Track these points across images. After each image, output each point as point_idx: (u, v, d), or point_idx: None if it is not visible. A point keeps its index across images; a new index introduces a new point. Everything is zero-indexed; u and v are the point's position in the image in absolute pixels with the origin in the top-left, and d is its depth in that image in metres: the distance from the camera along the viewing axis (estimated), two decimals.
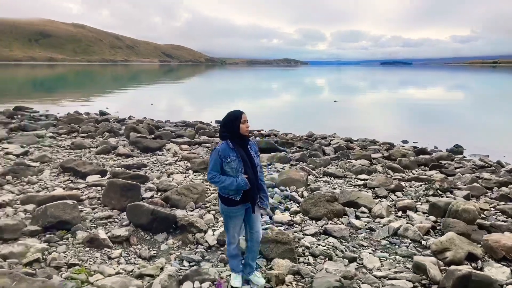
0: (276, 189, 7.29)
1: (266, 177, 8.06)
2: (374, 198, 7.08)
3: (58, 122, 14.80)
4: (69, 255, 4.35)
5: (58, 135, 12.27)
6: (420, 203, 6.94)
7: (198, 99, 33.00)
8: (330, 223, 5.86)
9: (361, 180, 8.26)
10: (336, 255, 4.82)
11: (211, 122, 17.39)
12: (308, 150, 10.87)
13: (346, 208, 6.39)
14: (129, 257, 4.49)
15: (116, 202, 5.83)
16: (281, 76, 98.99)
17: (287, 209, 6.39)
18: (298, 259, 4.64)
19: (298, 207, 6.42)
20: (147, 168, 8.60)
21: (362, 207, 6.49)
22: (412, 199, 7.20)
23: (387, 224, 5.77)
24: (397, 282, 4.07)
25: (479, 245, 5.07)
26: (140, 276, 3.96)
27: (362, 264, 4.61)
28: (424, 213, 6.45)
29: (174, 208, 6.00)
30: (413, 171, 9.38)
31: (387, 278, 4.21)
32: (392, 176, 8.70)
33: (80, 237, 4.71)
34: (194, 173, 8.27)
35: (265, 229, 5.00)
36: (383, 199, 7.14)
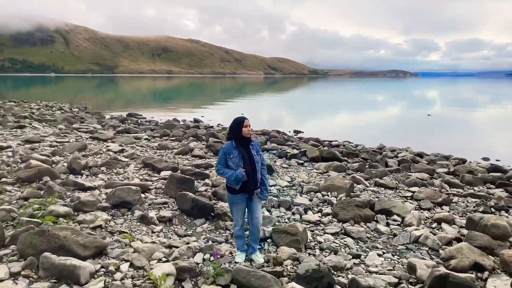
0: (318, 194, 7.85)
1: (309, 181, 8.67)
2: (416, 210, 7.22)
3: (156, 127, 17.14)
4: (123, 226, 5.63)
5: (152, 137, 14.34)
6: (462, 217, 6.88)
7: (291, 109, 34.22)
8: (356, 226, 6.28)
9: (411, 192, 8.34)
10: (345, 251, 5.30)
11: (289, 131, 18.29)
12: (369, 161, 11.06)
13: (379, 215, 6.71)
14: (168, 233, 5.60)
15: (173, 192, 7.06)
16: (384, 88, 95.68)
17: (320, 211, 6.95)
18: (306, 250, 5.25)
19: (331, 210, 6.93)
20: (212, 168, 9.81)
21: (395, 215, 6.73)
22: (458, 213, 7.15)
23: (410, 232, 5.99)
24: (384, 277, 4.46)
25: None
26: (169, 247, 5.01)
27: (363, 261, 5.03)
28: (461, 227, 6.44)
29: (220, 201, 7.02)
30: (475, 188, 9.03)
31: (378, 273, 4.61)
32: (447, 191, 8.57)
33: (136, 215, 5.98)
34: None
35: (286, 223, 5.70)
36: (424, 211, 7.22)
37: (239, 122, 4.50)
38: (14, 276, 3.83)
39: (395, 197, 8.07)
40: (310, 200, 7.45)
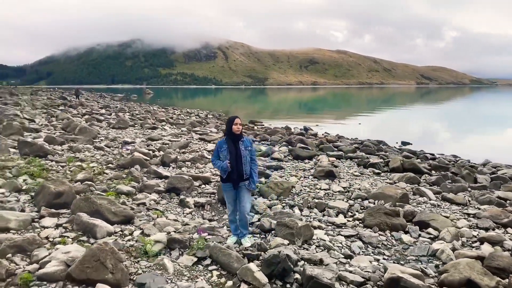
0: (366, 202, 7.78)
1: (368, 190, 8.55)
2: (469, 228, 6.61)
3: (260, 133, 18.49)
4: (163, 206, 6.83)
5: (253, 141, 15.68)
6: None
7: (428, 122, 31.86)
8: (379, 233, 6.20)
9: (479, 209, 7.52)
10: (340, 251, 5.42)
11: (397, 143, 17.41)
12: (452, 175, 10.10)
13: (411, 226, 6.45)
14: (196, 216, 6.56)
15: None
16: None
17: (352, 216, 6.99)
18: (303, 245, 5.55)
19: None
20: (283, 169, 10.46)
21: (431, 228, 6.36)
22: None
23: (430, 244, 5.66)
24: (353, 275, 4.53)
25: None
26: (184, 224, 5.96)
27: (349, 261, 5.10)
28: (509, 250, 5.73)
29: (261, 196, 7.71)
30: None
31: (352, 272, 4.68)
32: None
33: (179, 199, 7.14)
34: (315, 178, 9.55)
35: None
36: (479, 230, 6.54)
37: (230, 121, 5.20)
38: (57, 226, 5.31)
39: (455, 212, 7.42)
40: (351, 206, 7.48)
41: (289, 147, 13.52)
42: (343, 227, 6.43)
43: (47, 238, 4.93)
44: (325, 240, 5.72)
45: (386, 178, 10.17)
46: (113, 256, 4.08)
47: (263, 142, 15.72)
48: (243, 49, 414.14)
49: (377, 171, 10.80)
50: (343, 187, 8.82)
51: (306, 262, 4.86)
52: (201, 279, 4.35)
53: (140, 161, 9.69)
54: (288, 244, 5.44)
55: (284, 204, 7.39)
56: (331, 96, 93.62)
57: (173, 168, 10.17)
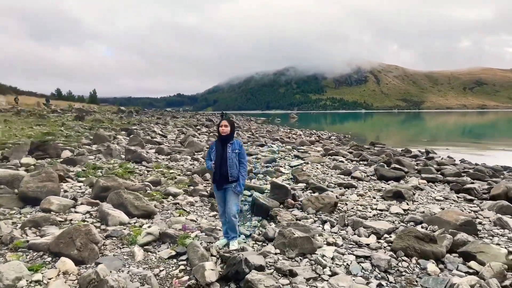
0: (418, 226, 6.73)
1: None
2: None
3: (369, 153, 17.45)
4: (195, 207, 7.22)
5: (351, 161, 14.97)
6: None
7: None
8: (402, 258, 5.34)
9: None
10: (329, 267, 4.88)
11: None
12: None
13: (451, 257, 5.36)
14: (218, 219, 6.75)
15: (270, 193, 8.04)
16: None
17: (385, 238, 6.15)
18: (296, 257, 5.18)
19: None
20: (353, 187, 9.77)
21: (475, 262, 5.16)
22: None
23: (450, 278, 4.62)
24: None
25: None
26: (198, 224, 6.22)
27: (328, 279, 4.56)
28: None
29: (297, 209, 7.44)
30: None
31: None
32: None
33: (211, 203, 7.45)
34: (382, 198, 8.66)
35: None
36: None
37: (218, 123, 5.31)
38: (86, 213, 6.20)
39: None
40: (396, 228, 6.56)
41: (375, 166, 12.47)
42: (363, 247, 5.73)
43: (70, 220, 5.83)
44: (325, 256, 5.23)
45: (476, 205, 8.49)
46: (86, 237, 4.62)
47: (361, 162, 14.84)
48: (397, 72, 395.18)
49: (470, 197, 9.10)
50: (404, 209, 7.77)
51: (275, 271, 4.57)
52: (161, 270, 4.54)
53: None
54: (277, 254, 5.17)
55: (316, 219, 6.96)
56: (506, 122, 76.93)
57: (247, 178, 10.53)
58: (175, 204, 7.25)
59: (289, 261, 5.06)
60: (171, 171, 10.60)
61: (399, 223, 6.99)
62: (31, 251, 4.62)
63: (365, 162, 14.51)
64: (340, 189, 9.67)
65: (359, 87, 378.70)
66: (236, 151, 5.27)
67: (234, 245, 5.26)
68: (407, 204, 8.28)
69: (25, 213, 6.04)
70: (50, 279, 3.95)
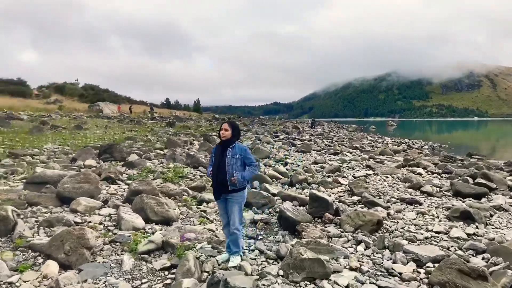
0: (479, 257, 5.45)
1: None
2: None
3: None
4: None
5: (431, 173, 13.26)
6: None
7: None
8: None
9: None
10: None
11: None
12: None
13: None
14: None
15: (308, 206, 7.35)
16: None
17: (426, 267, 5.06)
18: (302, 281, 4.48)
19: None
20: (417, 204, 8.48)
21: None
22: None
23: None
24: None
25: None
26: (214, 234, 5.84)
27: None
28: None
29: (335, 225, 6.61)
30: None
31: None
32: None
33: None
34: (446, 219, 7.34)
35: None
36: None
37: (220, 127, 4.86)
38: (108, 216, 6.24)
39: None
40: (447, 256, 5.38)
41: (452, 180, 10.73)
42: (393, 277, 4.76)
43: (89, 222, 5.89)
44: (337, 284, 4.43)
45: None
46: (77, 241, 4.55)
47: (443, 174, 13.02)
48: None
49: None
50: (468, 234, 6.41)
51: None
52: (143, 282, 4.25)
53: (261, 177, 9.94)
54: (278, 276, 4.53)
55: (351, 238, 6.07)
56: None
57: (297, 188, 9.89)
58: (203, 212, 6.97)
59: (290, 285, 4.39)
60: None
61: (455, 250, 5.75)
62: (30, 251, 4.70)
63: (447, 175, 12.68)
64: (401, 204, 8.48)
65: (471, 92, 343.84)
66: (237, 156, 4.77)
67: (233, 261, 4.75)
68: (477, 227, 6.85)
69: (55, 212, 6.29)
70: (25, 281, 3.92)
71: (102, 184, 8.35)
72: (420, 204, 8.54)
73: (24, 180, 7.80)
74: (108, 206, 6.64)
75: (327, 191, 9.64)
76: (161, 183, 9.03)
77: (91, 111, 45.53)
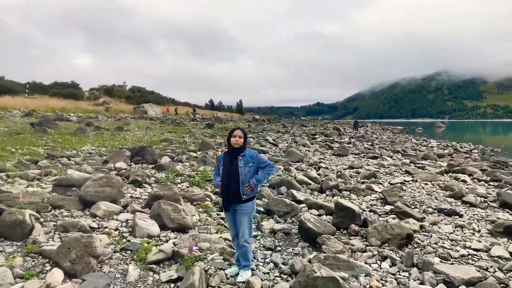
0: None
1: None
2: None
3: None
4: None
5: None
6: None
7: None
8: None
9: None
10: None
11: None
12: None
13: None
14: (261, 240, 6.00)
15: (334, 216, 6.95)
16: None
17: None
18: None
19: None
20: (456, 215, 7.80)
21: None
22: None
23: None
24: None
25: None
26: (228, 244, 5.61)
27: None
28: None
29: (361, 238, 6.17)
30: None
31: None
32: None
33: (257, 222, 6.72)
34: (489, 234, 6.66)
35: None
36: None
37: (230, 133, 4.61)
38: (125, 221, 6.18)
39: None
40: (485, 278, 4.81)
41: (498, 190, 9.80)
42: None
43: (105, 228, 5.86)
44: None
45: None
46: (84, 249, 4.48)
47: (491, 182, 12.00)
48: None
49: None
50: (511, 253, 5.73)
51: None
52: None
53: (289, 183, 9.61)
54: None
55: (376, 253, 5.60)
56: None
57: (327, 195, 9.47)
58: (221, 219, 6.76)
59: None
60: None
61: (494, 271, 5.14)
62: (40, 257, 4.70)
63: (495, 184, 11.67)
64: (438, 215, 7.84)
65: None
66: (250, 164, 4.50)
67: (242, 276, 4.49)
68: None
69: (76, 216, 6.33)
70: None
71: (128, 188, 8.41)
72: (460, 216, 7.84)
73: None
74: (127, 211, 6.61)
75: (358, 199, 9.14)
76: (187, 187, 8.96)
77: (136, 113, 47.02)
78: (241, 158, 4.52)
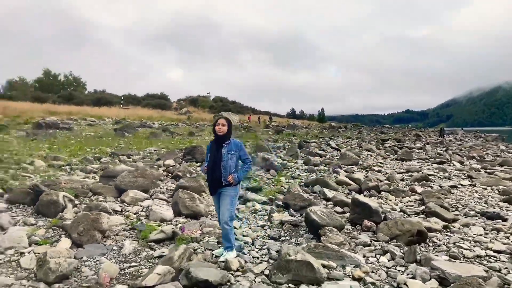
0: None
1: None
2: None
3: None
4: (256, 214, 6.79)
5: None
6: None
7: None
8: None
9: None
10: None
11: None
12: None
13: None
14: (268, 229, 6.13)
15: (351, 212, 6.82)
16: None
17: None
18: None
19: None
20: (499, 219, 7.08)
21: None
22: None
23: None
24: None
25: None
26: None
27: None
28: None
29: (371, 233, 5.99)
30: None
31: None
32: None
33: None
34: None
35: None
36: None
37: (215, 121, 4.88)
38: (146, 208, 6.76)
39: None
40: (488, 278, 4.40)
41: None
42: None
43: (127, 211, 6.49)
44: None
45: None
46: (91, 223, 5.09)
47: None
48: None
49: None
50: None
51: None
52: (131, 265, 4.52)
53: (324, 182, 9.54)
54: (261, 275, 4.33)
55: (378, 248, 5.39)
56: None
57: (364, 195, 9.19)
58: (236, 209, 7.02)
59: (269, 286, 4.15)
60: (288, 180, 10.30)
61: (507, 273, 4.65)
62: (61, 230, 5.42)
63: None
64: (478, 218, 7.20)
65: None
66: (233, 152, 4.73)
67: (224, 255, 4.70)
68: None
69: (109, 201, 7.08)
70: (35, 253, 4.54)
71: (168, 181, 9.09)
72: (504, 220, 7.10)
73: None
74: (152, 199, 7.20)
75: (396, 199, 8.73)
76: None
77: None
78: (225, 145, 4.77)
